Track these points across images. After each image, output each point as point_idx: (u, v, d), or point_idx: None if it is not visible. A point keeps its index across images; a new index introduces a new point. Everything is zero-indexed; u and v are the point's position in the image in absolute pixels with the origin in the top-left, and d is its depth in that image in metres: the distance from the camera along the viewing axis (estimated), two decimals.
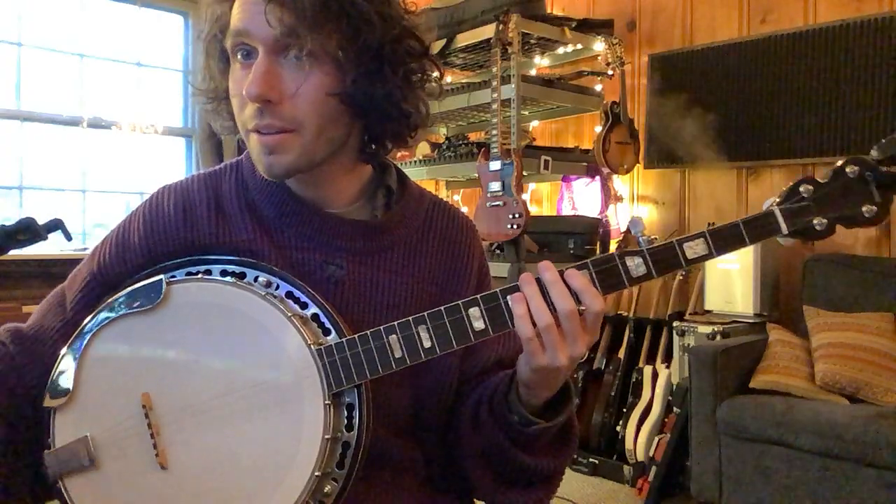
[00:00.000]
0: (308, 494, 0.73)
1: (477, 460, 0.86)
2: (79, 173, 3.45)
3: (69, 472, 0.77)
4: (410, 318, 0.76)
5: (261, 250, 0.83)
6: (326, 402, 0.74)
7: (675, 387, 2.85)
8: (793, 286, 2.92)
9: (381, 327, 0.76)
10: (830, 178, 0.77)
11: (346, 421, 0.75)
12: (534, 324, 0.73)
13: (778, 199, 0.77)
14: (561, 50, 3.40)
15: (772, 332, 2.64)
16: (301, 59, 0.75)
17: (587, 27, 3.31)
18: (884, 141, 0.77)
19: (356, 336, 0.76)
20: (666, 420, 2.87)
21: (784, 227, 0.76)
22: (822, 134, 2.89)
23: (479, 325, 0.75)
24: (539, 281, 0.74)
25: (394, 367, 0.75)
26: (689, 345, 2.78)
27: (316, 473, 0.73)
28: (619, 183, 3.52)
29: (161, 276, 0.79)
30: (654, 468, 2.71)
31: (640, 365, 3.11)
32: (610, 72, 3.30)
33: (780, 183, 3.09)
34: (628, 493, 2.78)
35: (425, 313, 0.76)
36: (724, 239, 0.75)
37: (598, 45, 3.32)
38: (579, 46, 3.33)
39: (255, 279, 0.80)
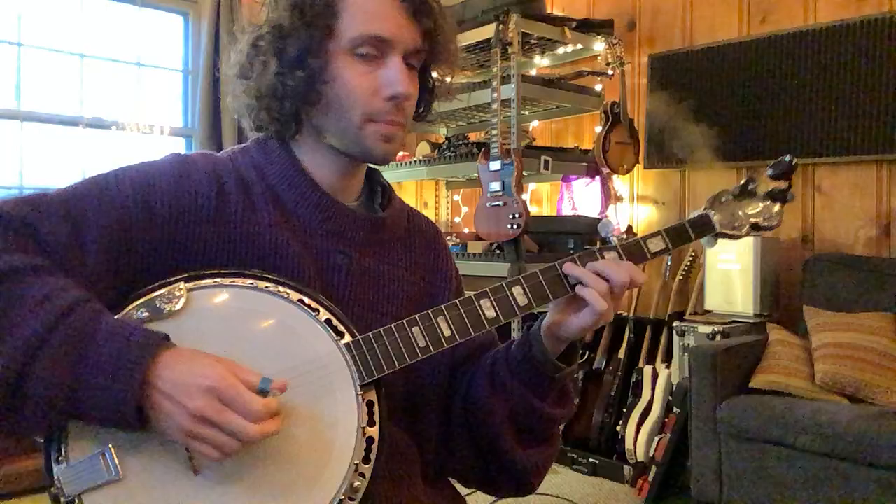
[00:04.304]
0: (346, 487, 0.74)
1: (504, 421, 0.94)
2: (79, 173, 3.45)
3: (89, 489, 0.71)
4: (429, 311, 0.84)
5: (278, 235, 0.86)
6: (358, 393, 0.78)
7: (675, 387, 2.85)
8: (793, 286, 2.92)
9: (403, 321, 0.83)
10: (740, 191, 0.97)
11: (367, 417, 0.78)
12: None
13: (706, 206, 0.96)
14: (561, 50, 3.40)
15: (772, 332, 2.64)
16: (418, 67, 0.92)
17: (587, 27, 3.31)
18: (776, 162, 0.97)
19: (381, 330, 0.81)
20: (666, 420, 2.87)
21: (717, 227, 0.95)
22: (823, 134, 2.89)
23: (490, 313, 0.85)
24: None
25: (419, 355, 0.82)
26: (689, 345, 2.78)
27: (355, 462, 0.75)
28: (619, 183, 3.53)
29: (180, 282, 0.78)
30: (654, 468, 2.71)
31: (640, 365, 3.11)
32: (610, 72, 3.30)
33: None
34: (628, 493, 2.78)
35: (442, 306, 0.85)
36: (676, 235, 0.93)
37: (598, 45, 3.33)
38: (579, 46, 3.33)
39: (266, 288, 0.80)
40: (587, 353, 3.29)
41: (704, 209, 0.96)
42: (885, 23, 2.75)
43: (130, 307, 0.77)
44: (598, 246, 0.91)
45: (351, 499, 0.75)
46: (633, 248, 0.91)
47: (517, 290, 0.86)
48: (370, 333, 0.80)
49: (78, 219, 0.78)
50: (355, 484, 0.75)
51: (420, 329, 0.82)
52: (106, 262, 0.78)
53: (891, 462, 2.01)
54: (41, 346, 0.67)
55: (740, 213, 0.96)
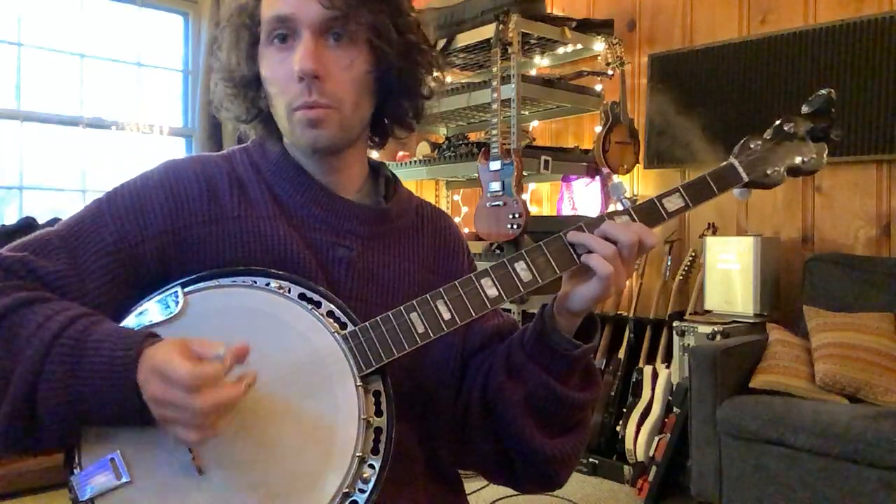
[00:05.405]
0: (352, 477, 0.74)
1: (520, 407, 0.89)
2: (79, 173, 3.44)
3: (101, 494, 0.73)
4: (427, 295, 0.81)
5: (277, 228, 0.86)
6: (358, 384, 0.77)
7: (675, 387, 2.85)
8: (793, 286, 2.92)
9: (401, 307, 0.80)
10: (773, 134, 0.90)
11: (374, 407, 0.77)
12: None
13: (733, 155, 0.88)
14: (561, 50, 3.40)
15: (772, 332, 2.63)
16: (343, 39, 0.83)
17: (587, 27, 3.31)
18: (811, 98, 0.90)
19: (378, 318, 0.79)
20: (666, 420, 2.87)
21: (744, 176, 0.87)
22: None
23: (492, 292, 0.82)
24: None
25: (418, 341, 0.80)
26: (689, 345, 2.78)
27: (357, 454, 0.74)
28: None
29: (177, 287, 0.79)
30: (654, 468, 2.71)
31: (640, 365, 3.11)
32: (610, 72, 3.30)
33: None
34: (628, 493, 2.78)
35: (441, 289, 0.81)
36: (696, 191, 0.86)
37: (598, 45, 3.32)
38: (579, 46, 3.33)
39: (267, 285, 0.80)
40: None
41: (730, 158, 0.88)
42: (885, 23, 2.75)
43: (130, 316, 0.80)
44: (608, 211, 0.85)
45: (362, 490, 0.75)
46: (648, 209, 0.85)
47: (520, 266, 0.83)
48: (367, 322, 0.79)
49: (75, 249, 0.81)
50: (365, 475, 0.75)
51: (418, 314, 0.80)
52: (109, 284, 0.81)
53: (891, 462, 2.01)
54: (41, 369, 0.71)
55: (775, 157, 0.88)
